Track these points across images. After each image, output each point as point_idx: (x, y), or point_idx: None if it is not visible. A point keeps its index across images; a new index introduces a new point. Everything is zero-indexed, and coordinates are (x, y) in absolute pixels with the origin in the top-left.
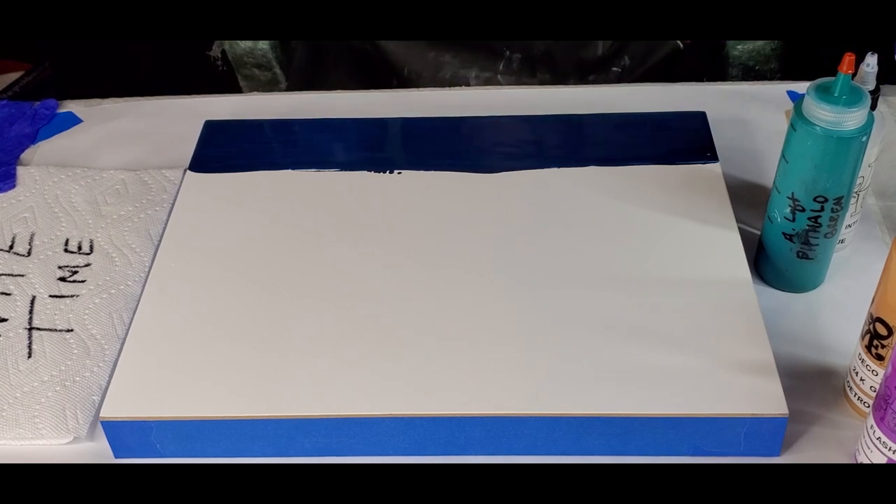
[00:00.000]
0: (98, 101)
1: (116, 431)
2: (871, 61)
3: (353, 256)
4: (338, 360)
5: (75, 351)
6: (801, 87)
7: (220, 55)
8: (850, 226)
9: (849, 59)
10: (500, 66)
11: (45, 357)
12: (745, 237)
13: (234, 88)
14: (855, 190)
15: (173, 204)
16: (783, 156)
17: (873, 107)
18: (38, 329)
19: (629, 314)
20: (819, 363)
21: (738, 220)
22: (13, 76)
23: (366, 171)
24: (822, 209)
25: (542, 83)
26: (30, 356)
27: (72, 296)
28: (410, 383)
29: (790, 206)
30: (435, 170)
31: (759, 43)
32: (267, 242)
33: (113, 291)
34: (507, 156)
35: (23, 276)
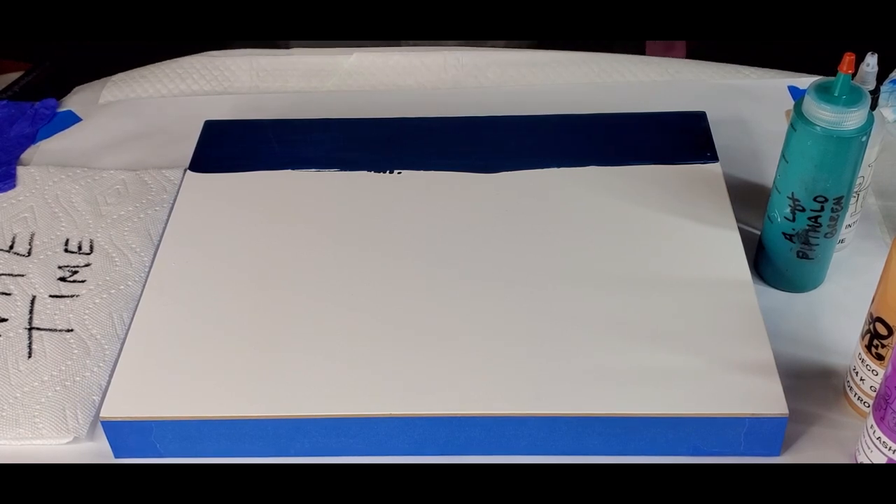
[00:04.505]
0: (103, 79)
1: (116, 431)
2: (871, 61)
3: (352, 256)
4: (337, 360)
5: (75, 351)
6: (803, 82)
7: None
8: (850, 226)
9: (849, 59)
10: None
11: (45, 357)
12: (745, 237)
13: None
14: (855, 190)
15: (173, 204)
16: (783, 156)
17: (873, 107)
18: (39, 329)
19: (629, 314)
20: (819, 363)
21: (738, 220)
22: (13, 76)
23: (366, 171)
24: (822, 209)
25: None
26: (30, 356)
27: (72, 296)
28: (410, 383)
29: (790, 205)
30: (435, 170)
31: None
32: (267, 242)
33: (113, 291)
34: (507, 156)
35: (23, 276)
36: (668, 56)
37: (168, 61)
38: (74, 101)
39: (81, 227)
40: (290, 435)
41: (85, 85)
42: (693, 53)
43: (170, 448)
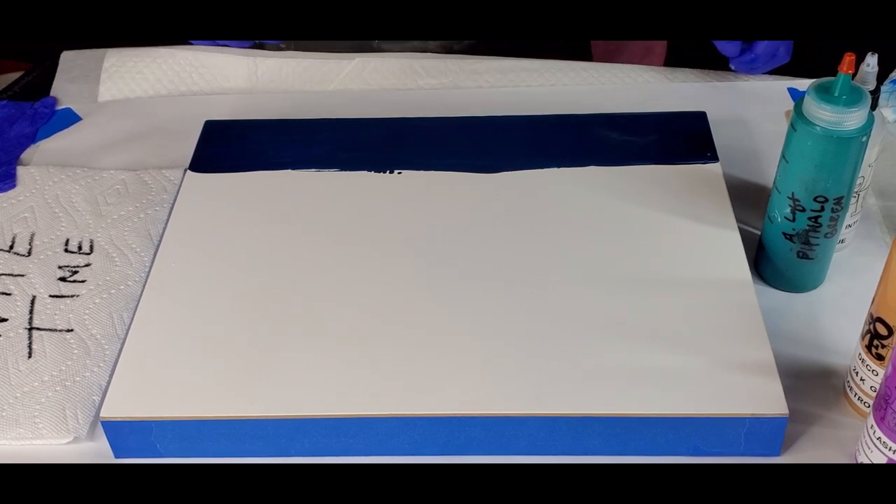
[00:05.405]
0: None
1: (116, 431)
2: (871, 61)
3: (352, 256)
4: (337, 360)
5: (75, 351)
6: (802, 83)
7: None
8: (850, 226)
9: (849, 59)
10: None
11: (45, 357)
12: (745, 237)
13: None
14: (855, 190)
15: (173, 204)
16: (783, 156)
17: (873, 107)
18: (39, 329)
19: (629, 314)
20: (819, 363)
21: (738, 220)
22: (13, 76)
23: (366, 171)
24: (823, 209)
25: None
26: (30, 356)
27: (72, 296)
28: (410, 383)
29: (790, 205)
30: (435, 170)
31: None
32: (267, 242)
33: (113, 291)
34: (507, 156)
35: (23, 276)
36: (645, 62)
37: (170, 48)
38: (74, 100)
39: (81, 227)
40: (290, 435)
41: (78, 52)
42: (689, 57)
43: (170, 448)
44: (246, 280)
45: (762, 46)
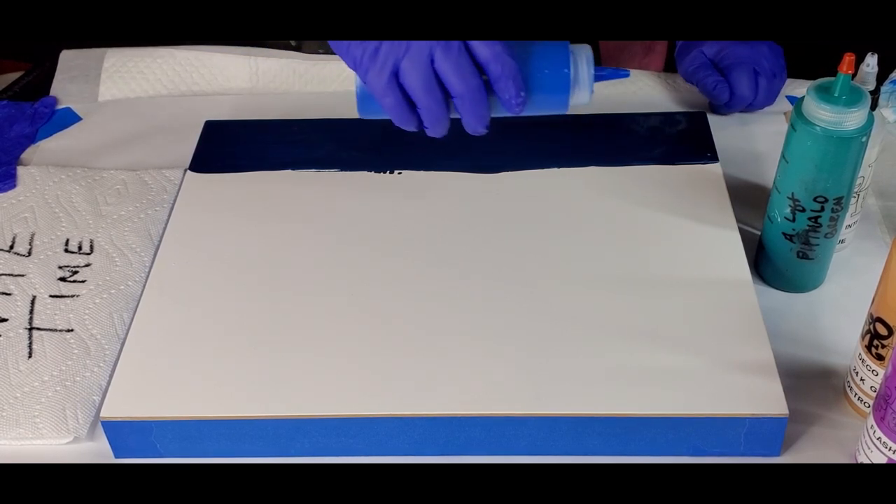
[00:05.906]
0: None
1: (116, 431)
2: (871, 61)
3: (352, 257)
4: (337, 360)
5: (75, 351)
6: (800, 91)
7: None
8: (850, 226)
9: (849, 59)
10: None
11: (45, 357)
12: (745, 237)
13: None
14: (855, 190)
15: (173, 204)
16: (783, 156)
17: (873, 107)
18: (39, 329)
19: (629, 314)
20: (819, 363)
21: (738, 220)
22: (13, 76)
23: (366, 171)
24: (823, 209)
25: None
26: (30, 356)
27: (72, 296)
28: (410, 383)
29: (790, 206)
30: (435, 170)
31: None
32: (267, 242)
33: (113, 291)
34: (507, 156)
35: (23, 276)
36: (646, 61)
37: (170, 48)
38: (73, 100)
39: (81, 227)
40: (291, 435)
41: (77, 51)
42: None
43: (170, 448)
44: (246, 280)
45: (737, 97)
